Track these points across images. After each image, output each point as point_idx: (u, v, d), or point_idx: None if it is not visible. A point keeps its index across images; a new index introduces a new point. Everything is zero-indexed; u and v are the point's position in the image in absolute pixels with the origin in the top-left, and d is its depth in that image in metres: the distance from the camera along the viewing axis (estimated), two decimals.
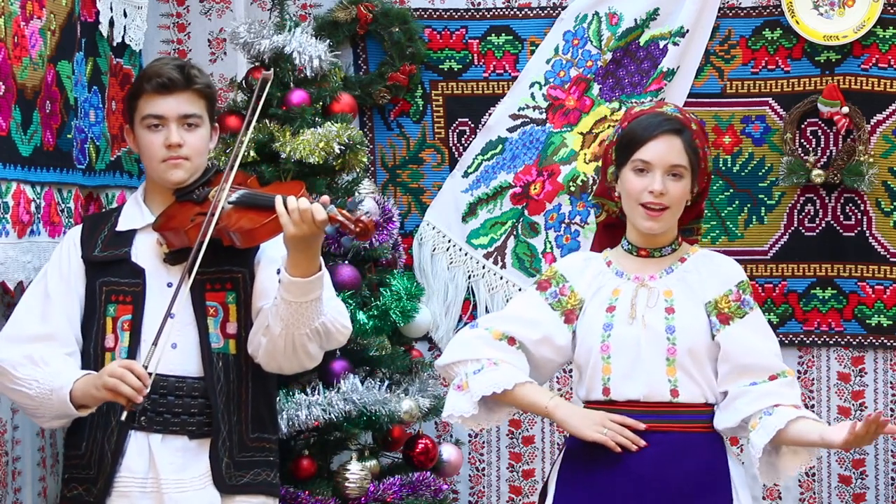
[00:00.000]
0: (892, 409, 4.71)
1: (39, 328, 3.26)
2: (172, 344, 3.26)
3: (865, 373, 4.71)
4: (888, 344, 4.69)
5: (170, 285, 3.26)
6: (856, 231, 4.66)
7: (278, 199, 3.12)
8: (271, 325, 3.18)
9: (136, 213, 3.39)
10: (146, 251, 3.33)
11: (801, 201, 4.69)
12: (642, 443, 3.22)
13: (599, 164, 4.64)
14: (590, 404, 3.31)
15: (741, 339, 3.27)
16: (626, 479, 3.22)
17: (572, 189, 4.70)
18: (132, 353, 3.24)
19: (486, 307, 4.78)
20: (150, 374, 3.10)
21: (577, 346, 3.34)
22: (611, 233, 3.45)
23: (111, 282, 3.30)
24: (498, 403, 3.35)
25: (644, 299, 3.29)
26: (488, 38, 4.82)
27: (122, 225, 3.37)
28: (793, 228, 4.70)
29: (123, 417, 3.12)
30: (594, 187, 3.60)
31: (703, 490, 3.25)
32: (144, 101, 3.33)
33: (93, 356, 3.29)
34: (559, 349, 3.36)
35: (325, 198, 3.13)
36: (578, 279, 3.36)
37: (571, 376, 4.80)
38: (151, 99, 3.31)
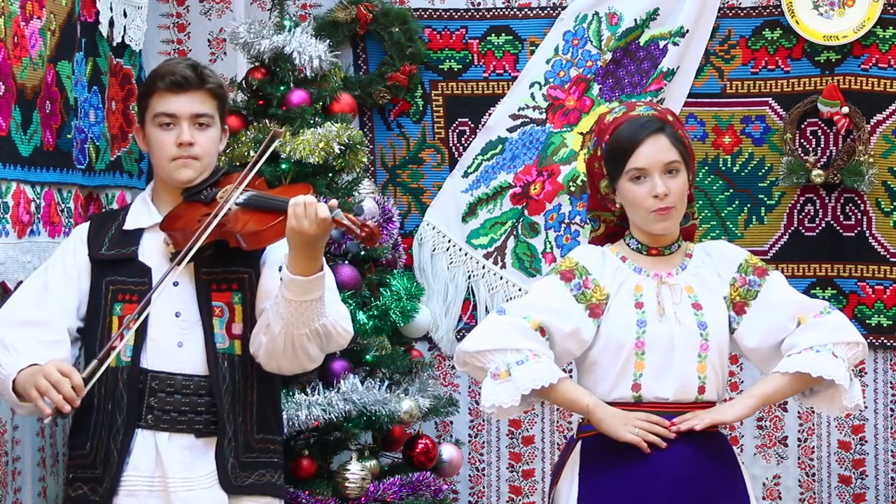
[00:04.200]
0: (892, 409, 4.71)
1: (33, 314, 3.24)
2: (178, 343, 3.26)
3: (865, 373, 4.71)
4: (888, 344, 4.69)
5: (176, 284, 3.25)
6: (856, 231, 4.66)
7: (291, 202, 3.10)
8: (272, 324, 3.17)
9: (143, 212, 3.38)
10: (153, 250, 3.32)
11: (801, 201, 4.70)
12: (672, 435, 3.22)
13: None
14: (612, 403, 3.29)
15: (765, 314, 3.31)
16: (656, 479, 3.22)
17: (572, 189, 4.70)
18: (137, 351, 3.23)
19: (486, 307, 4.78)
20: (86, 387, 3.06)
21: (599, 342, 3.31)
22: (613, 242, 3.45)
23: (118, 280, 3.29)
24: (533, 395, 3.30)
25: (668, 296, 3.29)
26: (488, 38, 4.82)
27: (130, 224, 3.36)
28: (793, 228, 4.70)
29: (46, 422, 3.06)
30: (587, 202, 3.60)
31: (726, 489, 3.27)
32: (157, 99, 3.31)
33: (97, 355, 3.28)
34: (582, 343, 3.32)
35: (334, 201, 3.12)
36: (601, 273, 3.33)
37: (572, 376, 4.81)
38: (164, 97, 3.30)
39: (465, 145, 4.84)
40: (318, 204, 3.07)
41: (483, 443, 4.87)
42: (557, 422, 4.81)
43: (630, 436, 3.23)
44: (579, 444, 3.36)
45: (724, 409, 3.29)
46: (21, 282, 3.43)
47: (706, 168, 4.70)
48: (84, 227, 3.40)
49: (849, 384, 3.25)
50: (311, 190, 3.23)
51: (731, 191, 4.73)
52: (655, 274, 3.32)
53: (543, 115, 4.78)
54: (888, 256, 4.64)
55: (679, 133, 3.29)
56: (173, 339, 3.25)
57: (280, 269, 3.16)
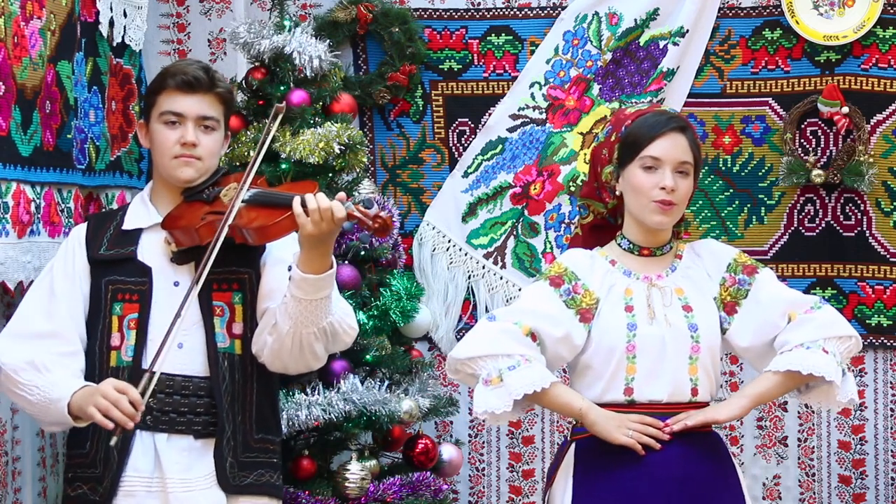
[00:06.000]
0: (892, 409, 4.71)
1: (43, 325, 3.25)
2: (178, 344, 3.26)
3: (865, 373, 4.71)
4: (888, 344, 4.69)
5: (176, 284, 3.26)
6: (856, 231, 4.66)
7: (296, 199, 3.11)
8: (279, 324, 3.18)
9: (142, 212, 3.38)
10: (153, 250, 3.32)
11: (801, 201, 4.70)
12: (665, 437, 3.22)
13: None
14: (605, 406, 3.29)
15: (756, 313, 3.30)
16: (650, 481, 3.21)
17: (572, 189, 4.70)
18: (138, 351, 3.24)
19: (486, 307, 4.78)
20: (144, 400, 3.08)
21: (590, 346, 3.31)
22: (598, 234, 3.44)
23: (117, 280, 3.30)
24: (526, 400, 3.30)
25: (659, 299, 3.29)
26: (488, 38, 4.82)
27: (129, 224, 3.36)
28: (793, 228, 4.71)
29: (113, 443, 3.09)
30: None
31: (721, 486, 3.27)
32: (165, 97, 3.32)
33: (98, 354, 3.28)
34: (574, 348, 3.33)
35: (342, 195, 3.13)
36: (590, 277, 3.34)
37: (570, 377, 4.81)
38: (172, 95, 3.31)
39: (465, 145, 4.84)
40: (332, 204, 3.08)
41: (483, 443, 4.87)
42: (557, 422, 4.81)
43: (624, 438, 3.22)
44: (573, 445, 3.36)
45: (718, 408, 3.29)
46: (21, 282, 3.44)
47: (706, 168, 4.70)
48: (81, 229, 3.40)
49: (841, 379, 3.24)
50: (318, 187, 3.22)
51: (731, 191, 4.73)
52: (645, 276, 3.32)
53: (543, 115, 4.78)
54: (888, 256, 4.64)
55: (697, 142, 3.32)
56: (174, 339, 3.25)
57: (290, 268, 3.17)
